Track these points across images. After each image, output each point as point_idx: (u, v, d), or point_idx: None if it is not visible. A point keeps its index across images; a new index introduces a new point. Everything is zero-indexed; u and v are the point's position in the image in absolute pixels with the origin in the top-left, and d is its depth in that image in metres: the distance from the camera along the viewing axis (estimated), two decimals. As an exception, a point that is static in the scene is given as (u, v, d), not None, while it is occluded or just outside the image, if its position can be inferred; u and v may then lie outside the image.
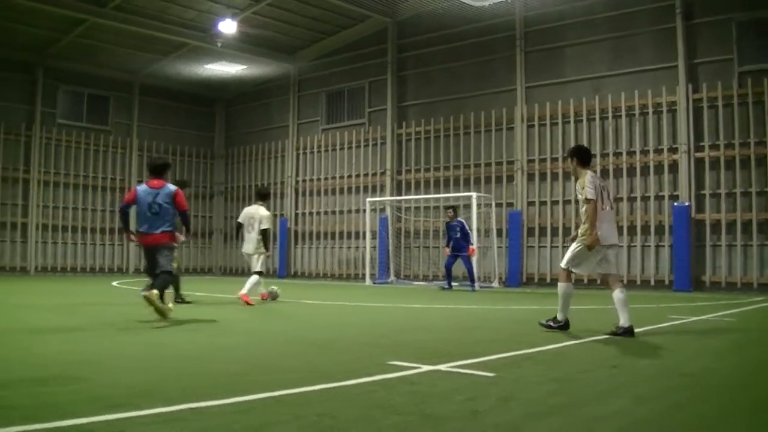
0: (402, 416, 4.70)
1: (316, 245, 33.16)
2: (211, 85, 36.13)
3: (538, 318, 10.47)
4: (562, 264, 9.95)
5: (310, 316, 13.62)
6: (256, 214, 15.60)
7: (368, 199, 29.28)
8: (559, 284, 9.94)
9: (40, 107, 31.80)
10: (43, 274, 31.22)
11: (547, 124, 26.06)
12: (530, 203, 26.30)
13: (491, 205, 26.26)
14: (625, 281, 23.65)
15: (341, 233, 32.11)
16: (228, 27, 28.22)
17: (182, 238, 13.00)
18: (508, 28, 27.10)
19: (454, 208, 23.71)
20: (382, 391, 5.60)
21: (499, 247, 25.82)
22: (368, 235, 28.69)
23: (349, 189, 31.98)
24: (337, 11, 29.40)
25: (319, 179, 33.30)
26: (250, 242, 15.59)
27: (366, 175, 31.44)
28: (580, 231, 9.78)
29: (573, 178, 24.40)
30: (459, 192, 27.22)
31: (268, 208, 15.95)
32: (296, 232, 33.72)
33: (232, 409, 4.85)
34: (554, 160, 25.79)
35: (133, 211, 11.66)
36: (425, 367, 6.60)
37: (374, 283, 27.69)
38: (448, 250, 22.99)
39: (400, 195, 29.76)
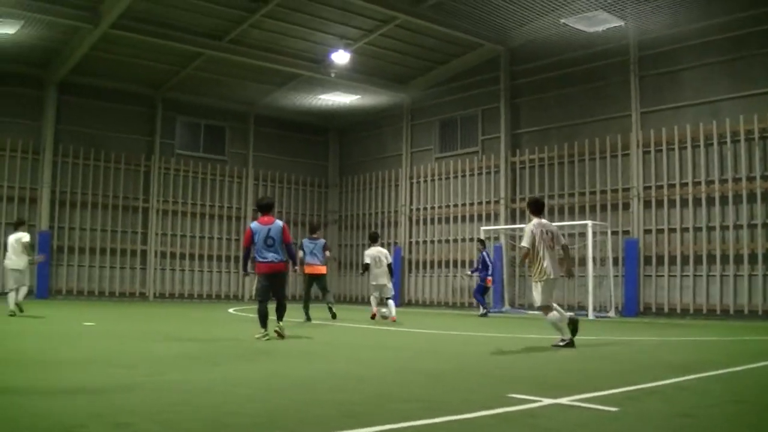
0: (524, 451, 4.63)
1: (429, 274, 33.10)
2: (324, 114, 36.49)
3: (659, 349, 10.27)
4: (536, 304, 12.17)
5: (425, 344, 13.63)
6: (379, 253, 19.83)
7: (482, 228, 29.07)
8: (546, 318, 12.08)
9: (159, 138, 32.74)
10: (161, 300, 32.02)
11: (663, 150, 25.48)
12: (647, 231, 25.69)
13: (607, 233, 25.78)
14: (731, 311, 23.03)
15: (455, 262, 31.94)
16: (341, 57, 28.52)
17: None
18: (621, 53, 26.65)
19: (482, 242, 25.89)
20: (503, 424, 5.55)
21: (615, 276, 25.32)
22: (482, 263, 28.56)
23: (463, 217, 31.86)
24: (448, 40, 29.39)
25: (432, 208, 33.29)
26: (383, 275, 19.62)
27: (480, 203, 31.25)
28: (532, 271, 12.15)
29: (689, 205, 23.94)
30: (574, 220, 26.78)
31: None
32: (410, 261, 33.76)
33: (352, 441, 4.85)
34: (671, 186, 25.17)
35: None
36: (546, 400, 6.49)
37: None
38: (490, 280, 24.95)
39: (515, 223, 29.28)
